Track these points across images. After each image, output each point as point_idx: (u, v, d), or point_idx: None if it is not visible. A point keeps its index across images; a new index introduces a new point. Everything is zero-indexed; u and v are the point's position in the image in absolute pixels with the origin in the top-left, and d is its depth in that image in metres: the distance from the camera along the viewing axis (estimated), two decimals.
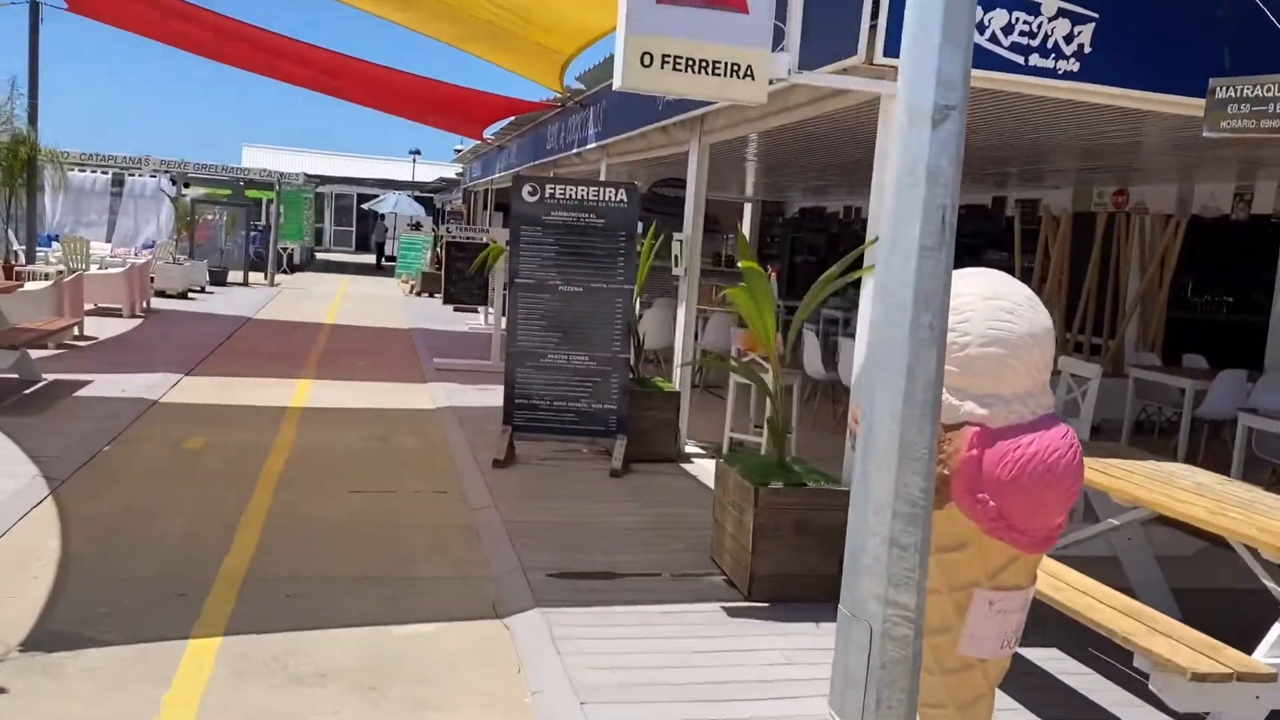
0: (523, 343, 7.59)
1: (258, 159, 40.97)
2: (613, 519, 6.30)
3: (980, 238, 17.31)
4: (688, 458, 8.05)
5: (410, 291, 24.98)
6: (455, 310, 13.00)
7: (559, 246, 7.49)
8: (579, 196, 7.46)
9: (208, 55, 13.68)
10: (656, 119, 8.46)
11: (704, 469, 7.75)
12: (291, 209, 31.37)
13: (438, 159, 48.40)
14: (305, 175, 31.73)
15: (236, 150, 49.31)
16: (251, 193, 30.77)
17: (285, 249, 30.11)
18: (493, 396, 10.52)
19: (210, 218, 24.93)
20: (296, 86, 14.71)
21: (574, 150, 11.61)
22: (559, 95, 11.10)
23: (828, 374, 9.37)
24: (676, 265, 8.16)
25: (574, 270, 7.50)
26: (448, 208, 33.07)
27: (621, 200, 7.45)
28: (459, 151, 46.70)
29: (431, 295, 23.84)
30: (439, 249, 26.65)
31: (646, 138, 9.38)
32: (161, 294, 18.73)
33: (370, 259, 37.14)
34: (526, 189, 7.48)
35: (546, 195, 7.47)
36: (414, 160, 46.93)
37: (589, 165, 12.65)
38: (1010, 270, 11.74)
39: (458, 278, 12.51)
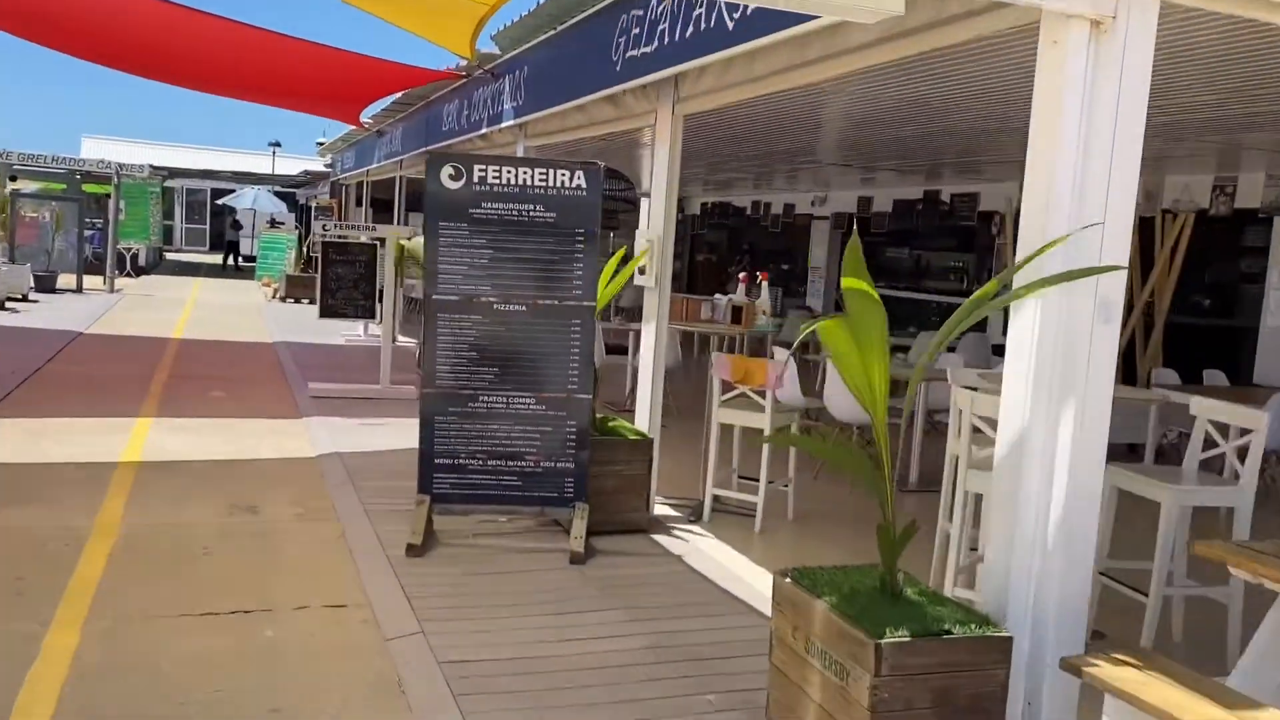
0: (444, 381, 5.55)
1: (99, 151, 37.14)
2: (591, 647, 4.34)
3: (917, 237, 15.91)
4: (661, 524, 6.15)
5: (273, 296, 22.34)
6: (323, 317, 10.73)
7: (494, 250, 5.49)
8: (521, 181, 5.46)
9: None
10: (607, 84, 6.53)
11: (686, 543, 5.85)
12: (135, 205, 28.12)
13: (300, 152, 45.25)
14: (151, 167, 28.50)
15: (75, 143, 45.09)
16: (90, 187, 27.47)
17: (129, 249, 26.92)
18: (388, 434, 8.42)
19: (35, 215, 21.76)
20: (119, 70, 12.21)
21: (480, 131, 9.56)
22: (466, 62, 9.05)
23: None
24: (642, 273, 6.24)
25: (515, 282, 5.51)
26: (313, 203, 30.28)
27: (579, 186, 5.49)
28: (321, 144, 43.75)
29: (298, 301, 21.35)
30: (307, 249, 24.03)
31: (586, 111, 7.43)
32: None
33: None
34: (447, 171, 5.45)
35: (475, 180, 5.45)
36: (274, 153, 43.69)
37: (497, 150, 10.59)
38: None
39: (337, 285, 10.30)
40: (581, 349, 5.56)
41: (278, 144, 44.05)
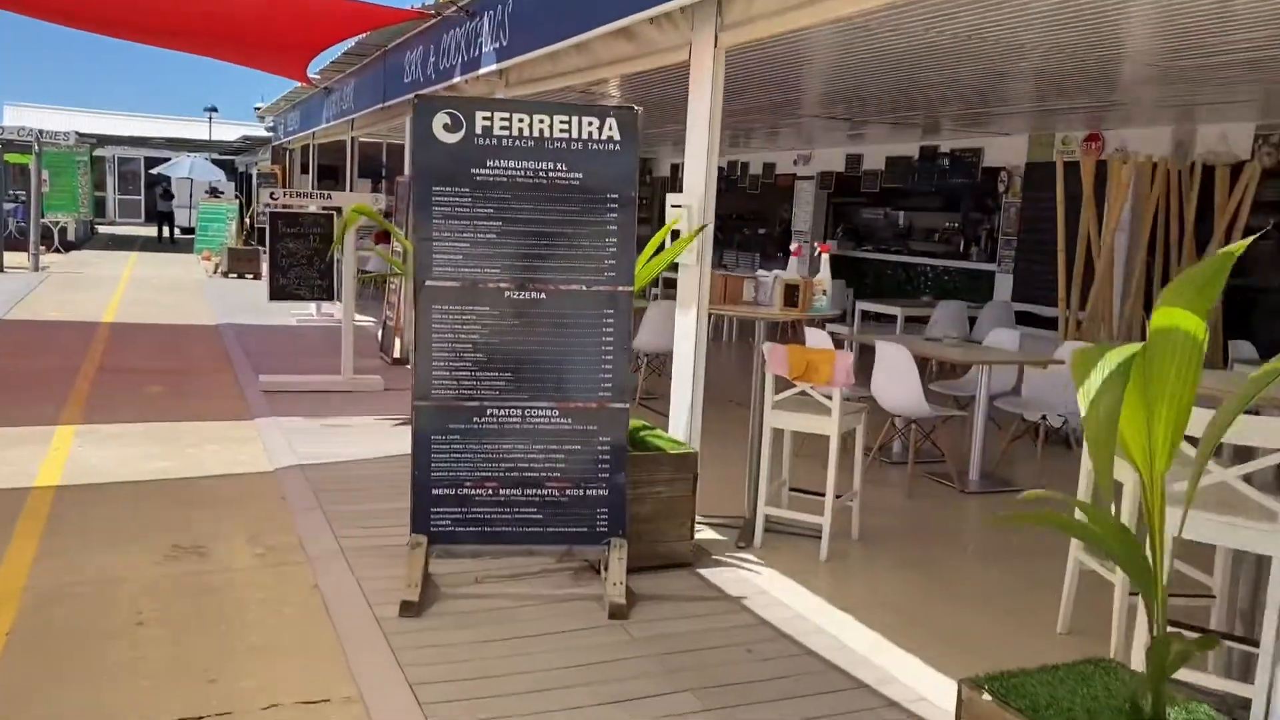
0: (443, 391, 4.35)
1: (22, 119, 34.88)
2: None
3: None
4: (706, 554, 5.03)
5: (214, 271, 20.80)
6: (275, 300, 9.40)
7: (503, 222, 4.28)
8: (537, 132, 4.25)
9: None
10: (623, 13, 5.31)
11: (744, 580, 4.74)
12: (61, 175, 26.27)
13: (238, 118, 43.21)
14: (77, 135, 26.62)
15: None
16: (13, 157, 25.56)
17: (56, 223, 25.11)
18: (356, 439, 7.20)
19: None
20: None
21: (450, 80, 8.27)
22: (435, 0, 7.75)
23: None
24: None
25: (531, 262, 4.31)
26: (254, 170, 28.56)
27: (611, 139, 4.29)
28: (259, 109, 41.84)
29: (241, 276, 19.88)
30: (250, 220, 22.44)
31: (588, 50, 6.21)
32: None
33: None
34: (440, 120, 4.21)
35: (478, 131, 4.23)
36: (210, 118, 41.55)
37: None
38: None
39: (289, 262, 8.97)
40: (616, 346, 4.38)
41: (214, 109, 41.84)
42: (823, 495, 5.25)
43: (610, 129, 4.27)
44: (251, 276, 19.90)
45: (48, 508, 5.47)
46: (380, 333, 11.59)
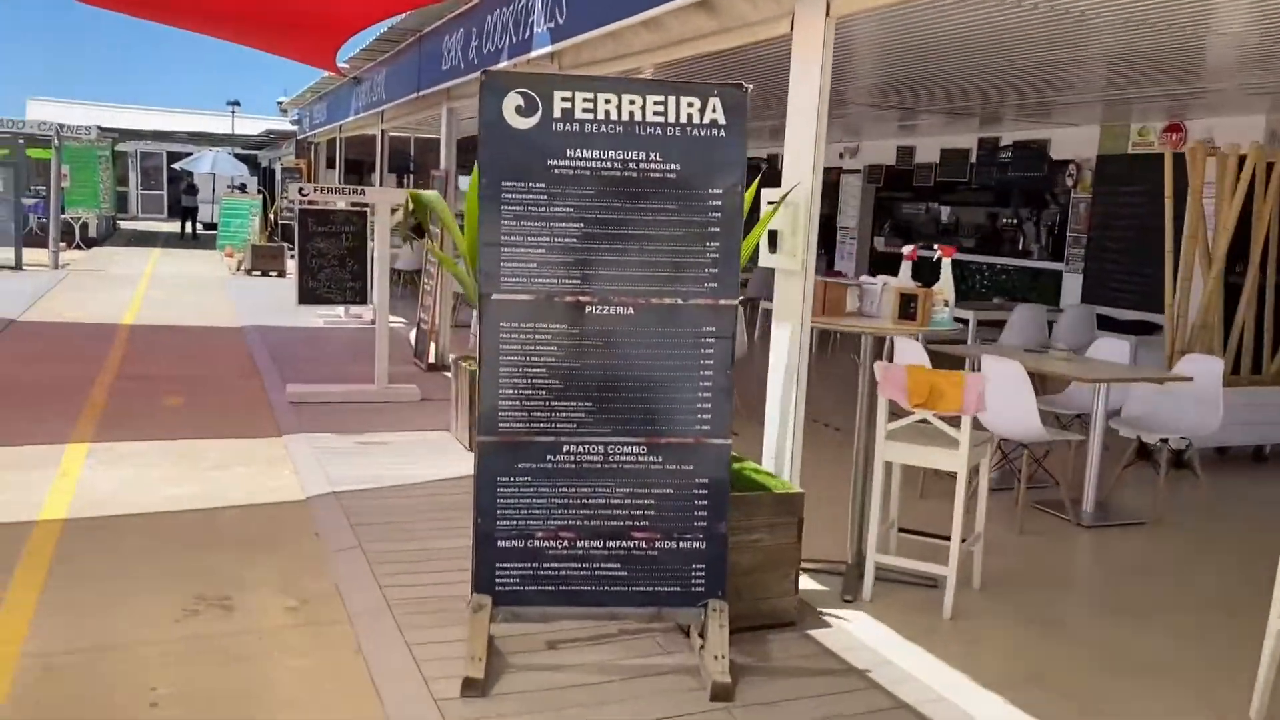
0: (511, 424, 3.66)
1: (44, 113, 34.48)
2: None
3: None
4: (812, 610, 4.32)
5: (237, 269, 20.21)
6: (304, 303, 8.73)
7: (586, 223, 3.58)
8: (627, 115, 3.54)
9: None
10: None
11: (862, 645, 4.03)
12: (82, 170, 25.79)
13: (261, 112, 42.76)
14: (99, 129, 26.11)
15: (20, 107, 42.23)
16: (35, 152, 25.10)
17: (77, 219, 24.65)
18: (395, 460, 6.53)
19: None
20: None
21: (498, 64, 7.57)
22: None
23: None
24: (773, 248, 4.35)
25: (618, 271, 3.61)
26: (278, 165, 28.00)
27: (714, 122, 3.57)
28: (282, 103, 41.34)
29: (265, 273, 19.30)
30: (272, 216, 21.86)
31: (659, 27, 5.50)
32: None
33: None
34: (513, 102, 3.51)
35: (557, 114, 3.52)
36: (233, 113, 41.07)
37: None
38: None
39: (318, 263, 8.31)
40: (717, 370, 3.67)
41: (237, 103, 41.31)
42: (941, 539, 4.54)
43: (713, 111, 3.56)
44: (275, 274, 19.31)
45: (52, 548, 4.81)
46: (413, 336, 10.93)
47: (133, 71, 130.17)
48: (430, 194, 7.64)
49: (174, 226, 32.89)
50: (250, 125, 37.93)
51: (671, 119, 3.55)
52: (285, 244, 21.29)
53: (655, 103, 3.54)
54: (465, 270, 7.30)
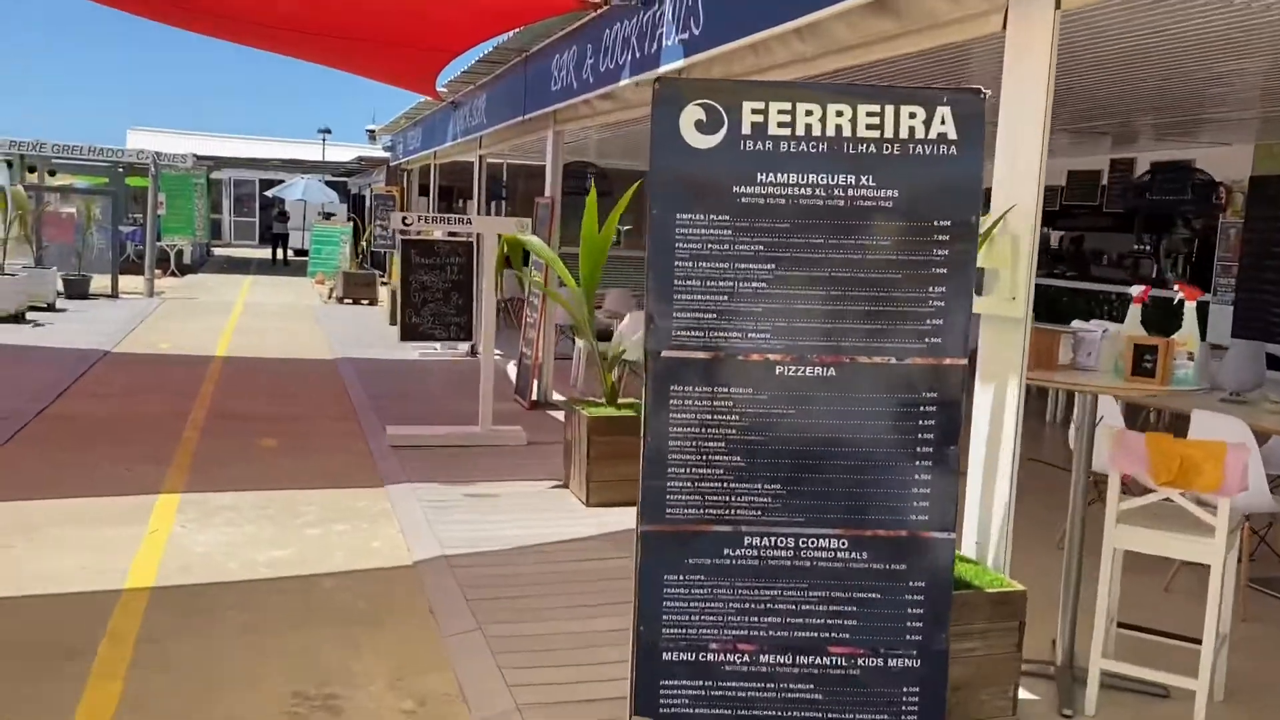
0: (681, 510, 2.98)
1: (143, 144, 35.16)
2: None
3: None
4: None
5: (328, 297, 20.00)
6: (406, 340, 8.18)
7: (778, 263, 2.89)
8: (833, 129, 2.85)
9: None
10: None
11: None
12: (178, 198, 26.05)
13: (350, 140, 43.23)
14: (195, 157, 26.33)
15: (121, 137, 43.25)
16: (134, 180, 25.42)
17: (172, 246, 24.80)
18: (507, 515, 5.91)
19: (68, 212, 19.55)
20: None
21: (615, 84, 6.96)
22: None
23: None
24: (981, 289, 3.61)
25: (817, 323, 2.91)
26: (368, 191, 27.94)
27: (943, 136, 2.86)
28: (372, 131, 41.58)
29: (357, 301, 19.04)
30: (366, 244, 21.65)
31: (818, 35, 4.81)
32: None
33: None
34: (692, 115, 2.84)
35: (745, 130, 2.84)
36: (324, 140, 41.57)
37: (627, 112, 8.02)
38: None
39: (422, 297, 7.76)
40: (939, 446, 2.95)
41: (327, 131, 41.91)
42: (1173, 638, 3.74)
43: (942, 123, 2.85)
44: (367, 302, 19.04)
45: (137, 625, 4.26)
46: (513, 370, 10.37)
47: (228, 103, 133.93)
48: (531, 239, 7.03)
49: (265, 253, 33.12)
50: (341, 153, 38.23)
51: (889, 133, 2.85)
52: (376, 271, 21.07)
53: (869, 113, 2.84)
54: (576, 302, 6.68)
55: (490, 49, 9.56)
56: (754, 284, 2.89)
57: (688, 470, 2.96)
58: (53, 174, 25.98)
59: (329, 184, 33.70)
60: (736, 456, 2.96)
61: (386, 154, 24.39)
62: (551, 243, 8.59)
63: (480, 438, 7.86)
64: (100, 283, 18.08)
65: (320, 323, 16.02)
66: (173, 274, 23.63)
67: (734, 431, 2.95)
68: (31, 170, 25.55)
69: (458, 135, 13.08)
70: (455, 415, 8.48)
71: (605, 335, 10.85)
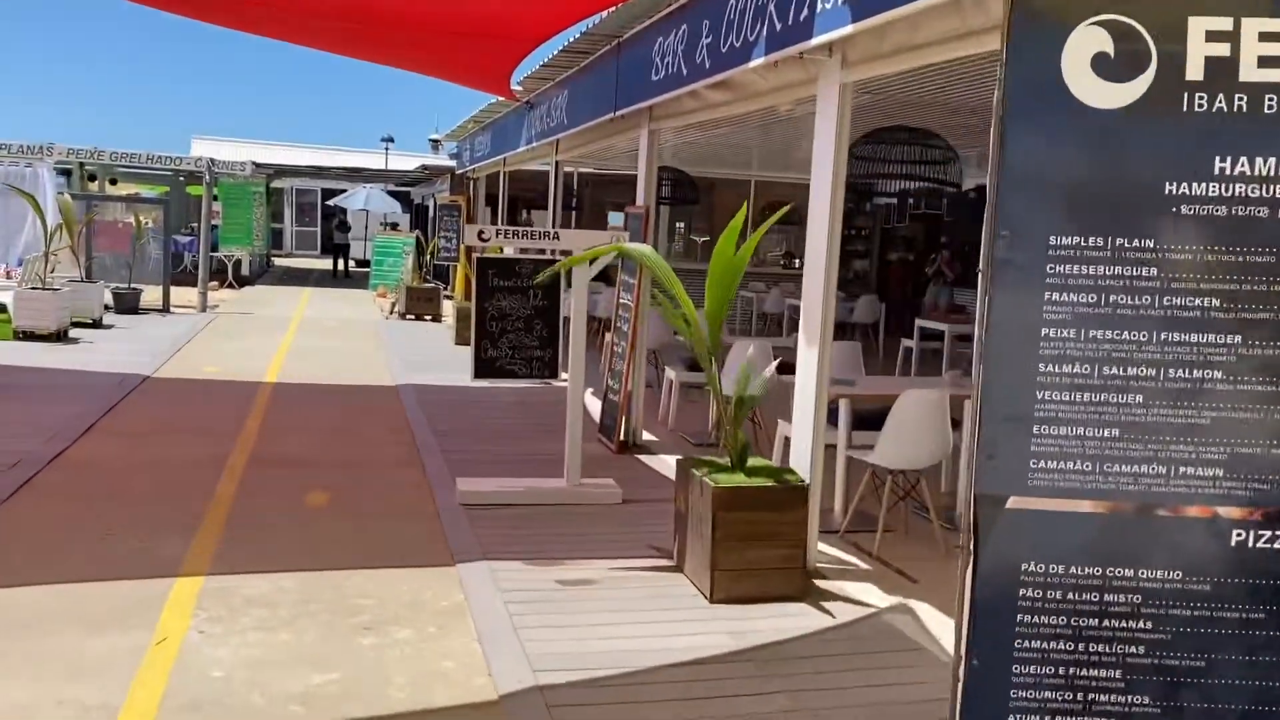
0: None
1: (206, 152, 34.55)
2: None
3: None
4: None
5: (390, 311, 18.91)
6: (480, 378, 6.86)
7: (1252, 334, 1.50)
8: None
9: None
10: None
11: None
12: (236, 207, 25.21)
13: (413, 149, 42.53)
14: (253, 165, 25.51)
15: (185, 145, 42.91)
16: (195, 189, 24.68)
17: (230, 257, 23.94)
18: (613, 615, 4.56)
19: (124, 221, 18.68)
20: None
21: (748, 63, 5.61)
22: None
23: None
24: None
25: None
26: (430, 201, 26.93)
27: None
28: (436, 141, 40.70)
29: (419, 317, 17.91)
30: (429, 255, 20.56)
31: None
32: (29, 335, 12.62)
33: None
34: (1093, 49, 1.47)
35: (1198, 75, 1.47)
36: (386, 149, 40.79)
37: (747, 104, 6.66)
38: None
39: (500, 326, 6.46)
40: None
41: (390, 139, 41.10)
42: None
43: None
44: (430, 319, 17.91)
45: None
46: (594, 403, 9.07)
47: (291, 113, 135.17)
48: (642, 248, 5.68)
49: (326, 264, 32.28)
50: (404, 162, 37.40)
51: None
52: (440, 284, 19.96)
53: None
54: (695, 332, 5.33)
55: (576, 35, 8.28)
56: (1201, 374, 1.51)
57: (1060, 696, 1.58)
58: (114, 182, 25.34)
59: (391, 194, 32.82)
60: (1145, 696, 1.57)
61: (451, 162, 23.32)
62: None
63: (567, 495, 6.54)
64: (152, 295, 17.14)
65: (380, 341, 14.87)
66: (230, 286, 22.75)
67: (1142, 652, 1.56)
68: (92, 179, 24.93)
69: (532, 139, 11.83)
70: (533, 459, 7.20)
71: (694, 364, 9.51)
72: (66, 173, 24.78)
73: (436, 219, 20.55)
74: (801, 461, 5.25)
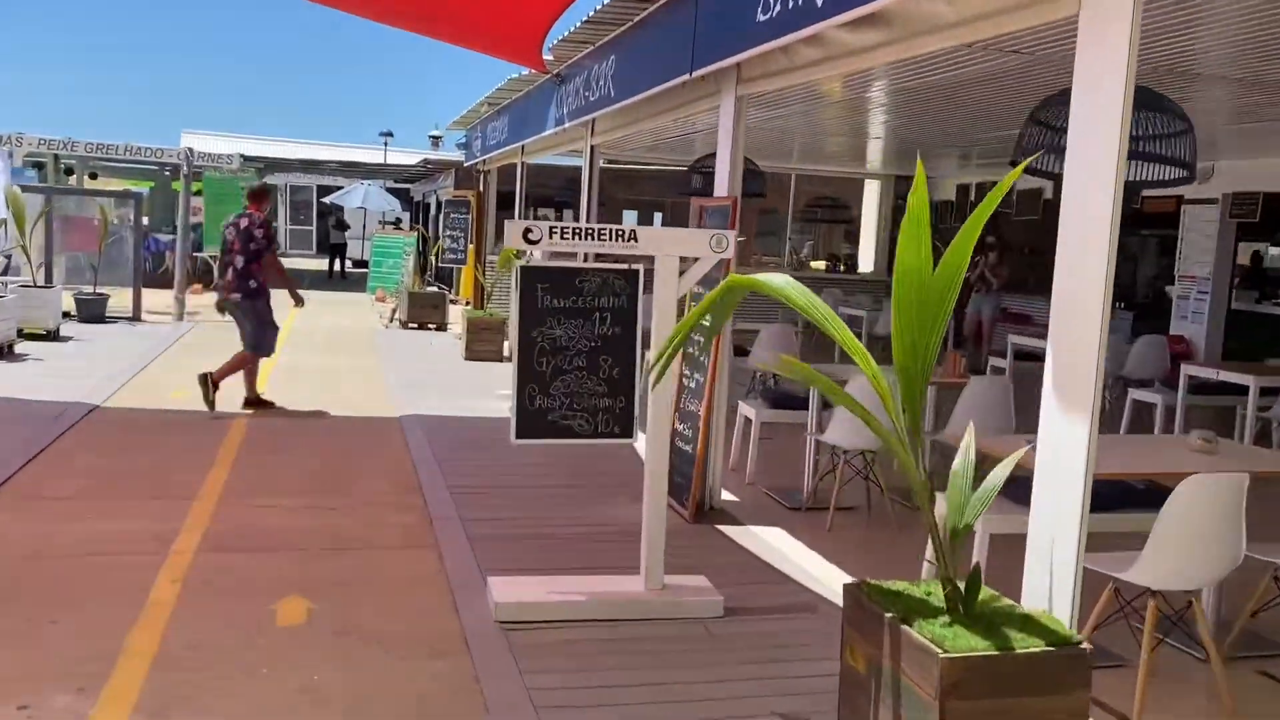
0: None
1: (193, 146, 32.50)
2: None
3: None
4: None
5: (390, 319, 16.94)
6: (523, 438, 4.86)
7: None
8: None
9: None
10: None
11: None
12: (224, 204, 23.09)
13: (413, 146, 40.54)
14: (241, 158, 23.56)
15: (175, 139, 40.82)
16: (180, 185, 22.71)
17: (215, 258, 21.93)
18: None
19: (96, 218, 16.69)
20: None
21: (874, 3, 3.65)
22: None
23: None
24: None
25: None
26: (434, 198, 24.93)
27: None
28: (436, 137, 38.66)
29: (422, 326, 15.99)
30: (434, 258, 18.55)
31: None
32: None
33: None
34: None
35: None
36: (385, 144, 38.77)
37: (912, 42, 4.69)
38: None
39: (554, 365, 4.47)
40: None
41: (389, 134, 39.08)
42: None
43: None
44: (434, 327, 15.97)
45: None
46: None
47: (285, 105, 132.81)
48: (785, 283, 3.56)
49: (322, 264, 30.27)
50: (404, 158, 35.42)
51: None
52: (444, 288, 18.00)
53: None
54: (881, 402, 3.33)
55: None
56: None
57: None
58: (93, 177, 23.37)
59: (390, 191, 30.85)
60: None
61: (457, 155, 21.34)
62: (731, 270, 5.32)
63: (648, 607, 4.58)
64: (122, 301, 15.16)
65: (380, 356, 12.90)
66: (213, 289, 20.74)
67: None
68: (69, 173, 22.99)
69: (563, 118, 9.84)
70: (586, 534, 5.28)
71: (779, 400, 7.56)
72: (37, 166, 22.83)
73: (444, 216, 18.54)
74: (1062, 601, 3.28)
